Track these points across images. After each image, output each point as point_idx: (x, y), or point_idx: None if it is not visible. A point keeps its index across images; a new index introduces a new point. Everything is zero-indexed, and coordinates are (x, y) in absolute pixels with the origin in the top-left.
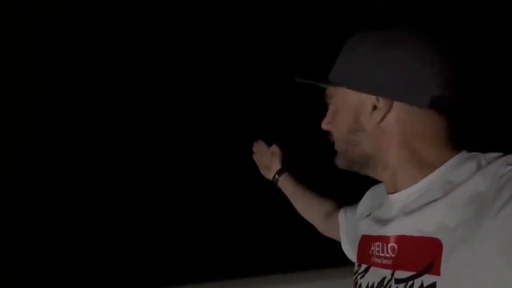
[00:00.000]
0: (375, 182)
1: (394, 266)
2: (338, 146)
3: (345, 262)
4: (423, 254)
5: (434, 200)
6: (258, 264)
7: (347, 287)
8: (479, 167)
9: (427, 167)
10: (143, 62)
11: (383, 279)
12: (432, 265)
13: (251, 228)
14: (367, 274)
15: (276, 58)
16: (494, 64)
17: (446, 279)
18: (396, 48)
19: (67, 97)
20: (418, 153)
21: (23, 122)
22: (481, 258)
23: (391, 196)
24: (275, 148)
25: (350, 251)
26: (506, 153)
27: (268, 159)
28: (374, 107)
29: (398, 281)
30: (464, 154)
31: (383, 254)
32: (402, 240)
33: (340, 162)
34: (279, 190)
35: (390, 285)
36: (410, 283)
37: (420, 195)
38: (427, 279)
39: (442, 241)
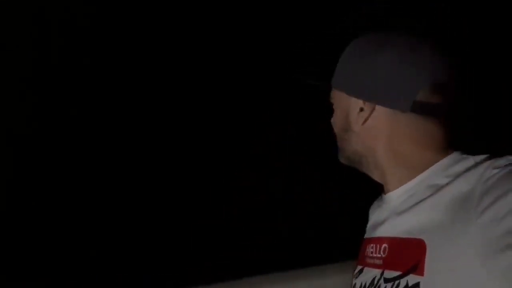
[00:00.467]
0: (374, 182)
1: (384, 266)
2: (338, 143)
3: (343, 257)
4: (409, 255)
5: (420, 202)
6: (257, 264)
7: (345, 284)
8: (467, 169)
9: (414, 169)
10: (143, 62)
11: (374, 278)
12: (416, 266)
13: (251, 228)
14: (361, 275)
15: (276, 58)
16: (494, 65)
17: (429, 279)
18: (384, 53)
19: (67, 97)
20: (404, 155)
21: (23, 122)
22: (462, 259)
23: (384, 196)
24: None
25: None
26: (506, 153)
27: None
28: (361, 110)
29: (386, 280)
30: (455, 155)
31: (375, 255)
32: (392, 241)
33: (341, 158)
34: (278, 190)
35: (380, 284)
36: (396, 282)
37: (409, 197)
38: (412, 279)
39: (426, 242)
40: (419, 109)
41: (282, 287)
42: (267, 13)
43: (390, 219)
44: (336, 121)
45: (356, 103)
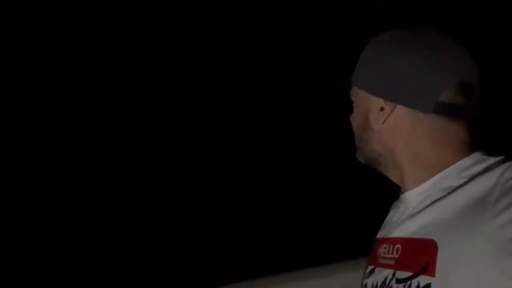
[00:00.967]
0: (379, 182)
1: (396, 266)
2: (356, 141)
3: (343, 257)
4: (420, 255)
5: (433, 202)
6: (257, 264)
7: (352, 282)
8: (485, 170)
9: (432, 169)
10: (143, 62)
11: (386, 278)
12: (428, 266)
13: (251, 228)
14: (372, 275)
15: (277, 58)
16: (493, 65)
17: (440, 280)
18: (407, 52)
19: (67, 97)
20: (423, 155)
21: (23, 122)
22: (474, 261)
23: (401, 196)
24: None
25: None
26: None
27: None
28: (381, 109)
29: (398, 281)
30: (475, 156)
31: (388, 255)
32: (405, 241)
33: (358, 156)
34: (278, 190)
35: (392, 285)
36: (408, 283)
37: (425, 198)
38: (423, 280)
39: (438, 243)
40: (442, 109)
41: None
42: (267, 13)
43: (405, 219)
44: (355, 119)
45: (377, 102)
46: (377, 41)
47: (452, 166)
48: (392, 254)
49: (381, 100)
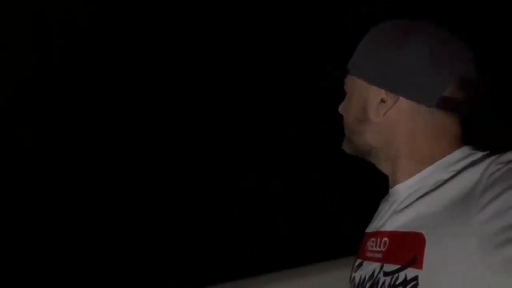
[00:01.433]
0: (379, 182)
1: (384, 259)
2: (346, 131)
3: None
4: (408, 248)
5: (422, 196)
6: (257, 264)
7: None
8: (471, 164)
9: (425, 162)
10: (143, 62)
11: (373, 271)
12: (415, 259)
13: (251, 228)
14: (360, 268)
15: (277, 57)
16: (493, 64)
17: (428, 272)
18: (413, 43)
19: (67, 97)
20: (419, 148)
21: (23, 122)
22: (462, 254)
23: (391, 190)
24: None
25: None
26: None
27: None
28: (382, 101)
29: (386, 273)
30: (463, 150)
31: (375, 249)
32: (393, 235)
33: (346, 147)
34: (278, 190)
35: (379, 277)
36: (395, 276)
37: (414, 190)
38: (410, 272)
39: (425, 236)
40: (444, 104)
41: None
42: (267, 14)
43: (393, 213)
44: (351, 111)
45: (378, 93)
46: (378, 30)
47: (443, 159)
48: (380, 247)
49: (383, 91)
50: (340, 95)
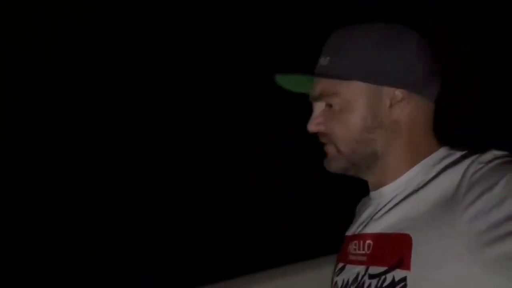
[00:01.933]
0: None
1: (368, 262)
2: (342, 147)
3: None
4: (394, 250)
5: (406, 197)
6: (257, 264)
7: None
8: (452, 164)
9: (412, 162)
10: (143, 62)
11: (358, 275)
12: (402, 260)
13: (251, 228)
14: (342, 272)
15: (276, 58)
16: (492, 63)
17: (416, 273)
18: (406, 42)
19: (67, 97)
20: (415, 147)
21: (22, 122)
22: (450, 254)
23: (374, 192)
24: None
25: None
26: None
27: None
28: (391, 102)
29: (371, 276)
30: (443, 150)
31: (359, 252)
32: (378, 237)
33: (337, 165)
34: (278, 190)
35: (364, 280)
36: (382, 278)
37: (399, 192)
38: (398, 273)
39: (412, 237)
40: (438, 99)
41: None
42: (267, 13)
43: (376, 215)
44: (350, 121)
45: (387, 94)
46: (364, 33)
47: (428, 159)
48: (364, 250)
49: (392, 92)
50: None
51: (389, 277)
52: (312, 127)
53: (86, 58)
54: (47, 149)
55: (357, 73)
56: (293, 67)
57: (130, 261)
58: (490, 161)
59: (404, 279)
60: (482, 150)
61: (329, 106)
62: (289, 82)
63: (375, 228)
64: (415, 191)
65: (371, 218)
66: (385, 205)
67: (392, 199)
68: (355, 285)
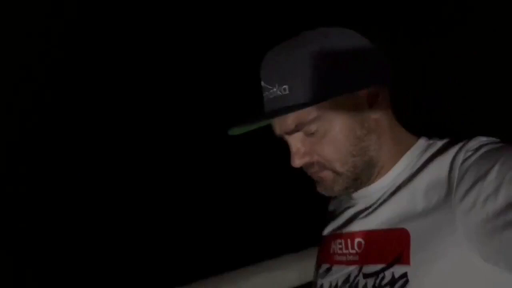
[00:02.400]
0: None
1: (362, 261)
2: (340, 167)
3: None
4: (391, 246)
5: (396, 192)
6: (255, 263)
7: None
8: (437, 154)
9: (396, 156)
10: (143, 62)
11: (349, 275)
12: (401, 256)
13: (250, 228)
14: (329, 274)
15: None
16: (495, 64)
17: (416, 267)
18: (352, 41)
19: (66, 97)
20: (397, 141)
21: (22, 122)
22: (448, 246)
23: (361, 191)
24: None
25: None
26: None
27: None
28: (370, 102)
29: (366, 275)
30: (422, 139)
31: (347, 251)
32: (369, 235)
33: (340, 187)
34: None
35: (358, 280)
36: (380, 276)
37: (389, 187)
38: (398, 269)
39: (409, 231)
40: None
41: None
42: (267, 13)
43: (364, 213)
44: (339, 141)
45: (362, 98)
46: (301, 51)
47: (410, 151)
48: (353, 249)
49: (365, 93)
50: None
51: (388, 274)
52: (297, 162)
53: (86, 58)
54: (46, 149)
55: (329, 90)
56: (243, 115)
57: (130, 261)
58: (478, 148)
59: (404, 275)
60: (461, 138)
61: (310, 133)
62: (243, 128)
63: (364, 226)
64: (405, 184)
65: (357, 216)
66: (374, 202)
67: (382, 195)
68: (347, 286)
